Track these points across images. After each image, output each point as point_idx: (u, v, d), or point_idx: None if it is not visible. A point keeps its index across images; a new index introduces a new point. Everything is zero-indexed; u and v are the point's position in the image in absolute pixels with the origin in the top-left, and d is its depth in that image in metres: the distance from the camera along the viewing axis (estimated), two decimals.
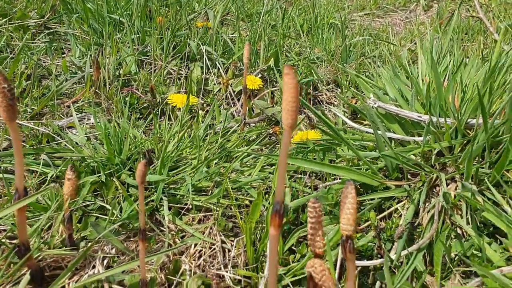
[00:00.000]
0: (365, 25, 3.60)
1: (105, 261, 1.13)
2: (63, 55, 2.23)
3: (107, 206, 1.25)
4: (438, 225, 1.19)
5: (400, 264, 1.19)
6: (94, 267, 1.11)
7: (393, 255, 1.18)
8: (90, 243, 1.13)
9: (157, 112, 1.89)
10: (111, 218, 1.22)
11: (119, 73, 2.06)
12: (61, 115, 1.77)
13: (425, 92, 1.52)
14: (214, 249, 1.23)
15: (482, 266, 1.00)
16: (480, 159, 1.36)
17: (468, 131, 1.44)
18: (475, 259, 1.09)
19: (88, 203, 1.28)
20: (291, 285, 1.13)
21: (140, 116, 1.92)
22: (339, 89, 2.41)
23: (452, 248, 1.16)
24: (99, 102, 1.87)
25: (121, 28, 2.46)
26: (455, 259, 1.16)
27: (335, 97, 2.37)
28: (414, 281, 1.16)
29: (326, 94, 2.42)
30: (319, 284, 0.82)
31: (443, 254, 1.14)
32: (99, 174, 1.35)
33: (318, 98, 2.40)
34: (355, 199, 0.90)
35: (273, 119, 1.98)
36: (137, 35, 2.32)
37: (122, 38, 2.38)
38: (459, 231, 1.24)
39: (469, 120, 1.41)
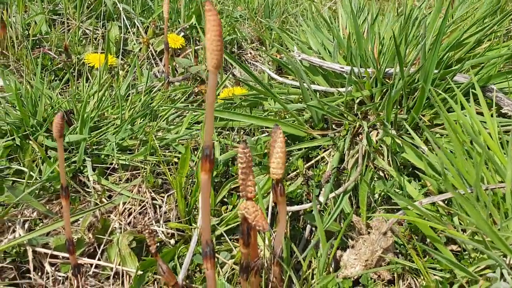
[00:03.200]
0: None
1: (26, 225, 1.06)
2: None
3: (24, 169, 1.17)
4: (362, 168, 1.24)
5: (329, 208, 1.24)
6: (14, 231, 1.03)
7: (321, 200, 1.22)
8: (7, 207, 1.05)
9: (74, 73, 1.78)
10: (29, 181, 1.14)
11: (28, 33, 1.90)
12: None
13: (346, 43, 1.56)
14: (144, 206, 1.20)
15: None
16: (399, 107, 1.43)
17: (387, 80, 1.50)
18: (397, 196, 1.16)
19: (1, 167, 1.19)
20: (224, 234, 1.13)
21: (55, 78, 1.79)
22: (263, 47, 2.40)
23: (375, 189, 1.22)
24: (7, 63, 1.72)
25: None
26: (378, 199, 1.23)
27: (259, 56, 2.36)
28: (341, 223, 1.21)
29: (251, 53, 2.41)
30: (253, 224, 0.82)
31: (367, 194, 1.20)
32: (13, 137, 1.25)
33: (243, 57, 2.38)
34: (284, 143, 0.91)
35: (197, 77, 1.94)
36: None
37: None
38: (381, 174, 1.31)
39: (387, 69, 1.47)
